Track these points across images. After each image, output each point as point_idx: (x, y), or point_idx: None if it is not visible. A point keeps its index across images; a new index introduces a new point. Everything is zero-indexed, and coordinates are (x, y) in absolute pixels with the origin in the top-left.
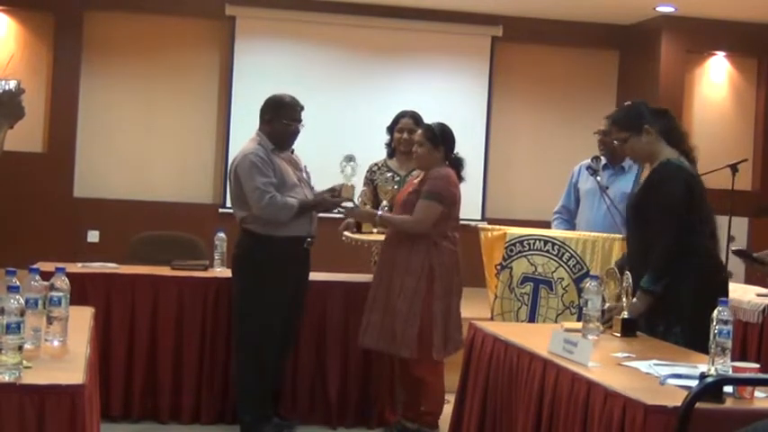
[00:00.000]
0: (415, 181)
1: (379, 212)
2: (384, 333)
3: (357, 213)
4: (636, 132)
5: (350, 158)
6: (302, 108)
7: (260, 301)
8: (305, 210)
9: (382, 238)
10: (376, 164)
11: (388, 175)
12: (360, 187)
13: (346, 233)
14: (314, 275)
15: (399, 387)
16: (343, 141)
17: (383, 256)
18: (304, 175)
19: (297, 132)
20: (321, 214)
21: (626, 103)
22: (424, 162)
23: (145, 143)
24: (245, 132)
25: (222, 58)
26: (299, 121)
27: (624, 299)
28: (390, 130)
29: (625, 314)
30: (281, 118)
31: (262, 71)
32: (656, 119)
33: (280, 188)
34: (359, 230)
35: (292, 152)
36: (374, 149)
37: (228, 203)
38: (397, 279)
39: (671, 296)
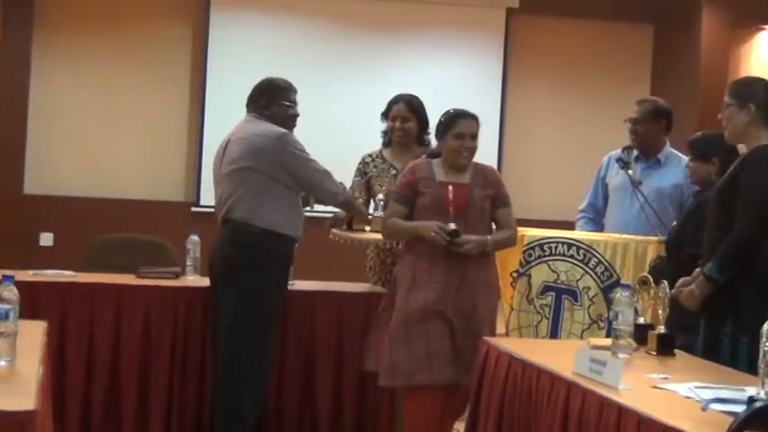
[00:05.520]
0: (466, 181)
1: (489, 238)
2: (466, 362)
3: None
4: (739, 104)
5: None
6: (296, 91)
7: (263, 307)
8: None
9: (376, 236)
10: (370, 155)
11: (383, 166)
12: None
13: (334, 230)
14: (300, 284)
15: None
16: (335, 129)
17: (443, 273)
18: None
19: (296, 116)
20: (311, 213)
21: (752, 76)
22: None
23: (106, 132)
24: (221, 119)
25: (195, 33)
26: (296, 103)
27: (660, 311)
28: (385, 116)
29: (661, 329)
30: (279, 100)
31: (241, 48)
32: None
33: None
34: (349, 228)
35: None
36: (371, 137)
37: (203, 201)
38: (481, 300)
39: (736, 299)
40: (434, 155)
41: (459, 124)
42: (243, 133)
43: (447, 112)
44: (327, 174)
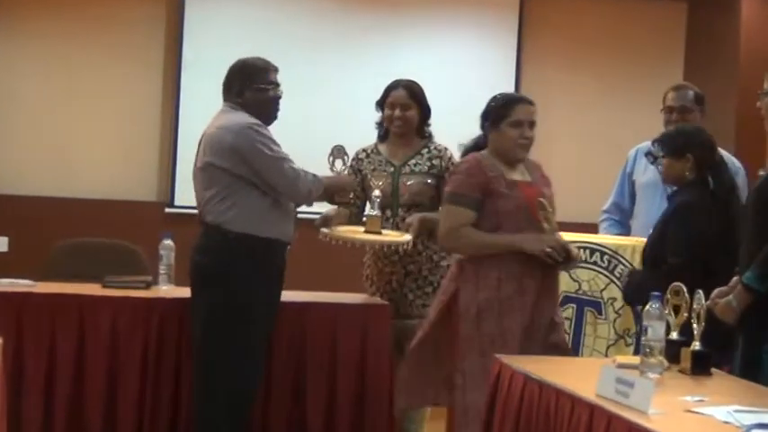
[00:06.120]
0: (530, 179)
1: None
2: None
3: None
4: None
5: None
6: (276, 69)
7: (241, 317)
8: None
9: (372, 237)
10: (364, 150)
11: (379, 159)
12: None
13: (324, 230)
14: (288, 295)
15: None
16: (325, 120)
17: (536, 288)
18: None
19: (277, 98)
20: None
21: None
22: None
23: (69, 123)
24: (199, 108)
25: (170, 12)
26: (277, 84)
27: (695, 324)
28: (381, 105)
29: (696, 345)
30: (253, 83)
31: (221, 28)
32: None
33: None
34: (331, 202)
35: None
36: (369, 129)
37: (178, 201)
38: (553, 308)
39: None
40: (479, 147)
41: (517, 110)
42: (213, 126)
43: (497, 98)
44: (296, 172)
